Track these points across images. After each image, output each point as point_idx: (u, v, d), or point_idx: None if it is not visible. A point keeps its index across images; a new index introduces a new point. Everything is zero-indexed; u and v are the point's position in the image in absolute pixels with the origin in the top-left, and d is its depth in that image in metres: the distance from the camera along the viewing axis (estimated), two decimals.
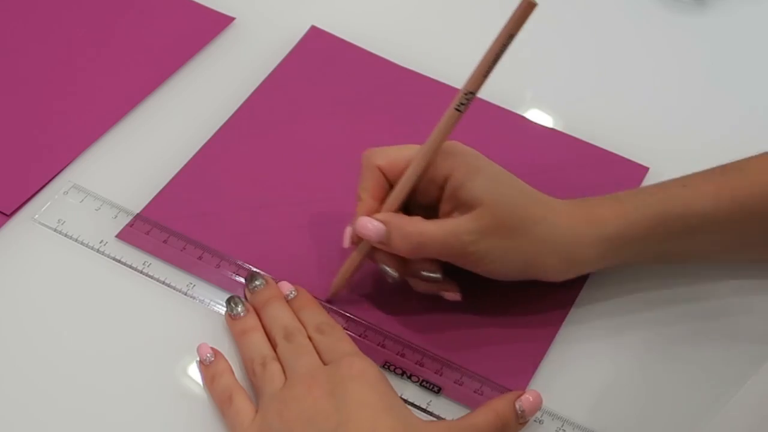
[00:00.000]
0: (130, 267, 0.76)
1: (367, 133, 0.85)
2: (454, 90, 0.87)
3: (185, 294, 0.74)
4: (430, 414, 0.69)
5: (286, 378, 0.68)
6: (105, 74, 0.89)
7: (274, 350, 0.70)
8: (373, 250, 0.71)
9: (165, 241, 0.77)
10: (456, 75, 0.88)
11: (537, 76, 0.91)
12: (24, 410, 0.69)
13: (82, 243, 0.77)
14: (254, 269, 0.75)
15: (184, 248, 0.76)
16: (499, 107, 0.87)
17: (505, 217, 0.68)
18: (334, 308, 0.73)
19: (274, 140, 0.84)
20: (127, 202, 0.79)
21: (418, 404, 0.69)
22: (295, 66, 0.90)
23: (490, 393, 0.69)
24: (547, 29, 0.95)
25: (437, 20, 0.96)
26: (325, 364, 0.68)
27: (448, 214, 0.70)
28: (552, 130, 0.86)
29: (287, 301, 0.73)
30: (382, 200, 0.71)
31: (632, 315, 0.75)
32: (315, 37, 0.92)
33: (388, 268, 0.71)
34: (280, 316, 0.72)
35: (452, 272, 0.72)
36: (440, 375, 0.70)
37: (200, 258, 0.76)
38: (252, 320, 0.72)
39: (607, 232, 0.71)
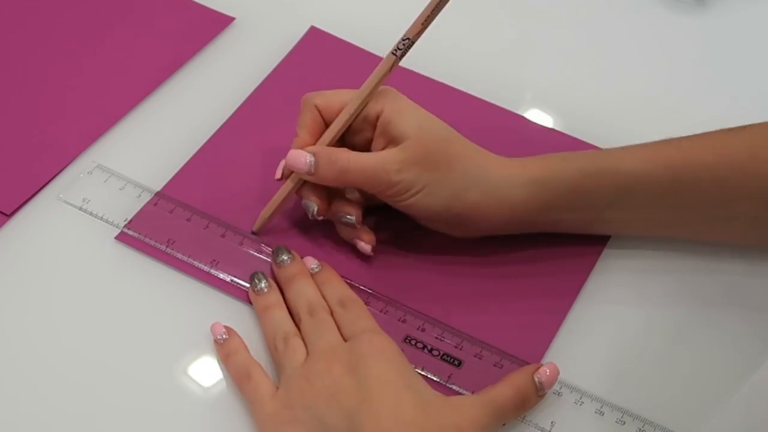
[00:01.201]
0: (154, 245, 0.77)
1: None
2: (453, 90, 0.89)
3: (209, 272, 0.76)
4: (451, 387, 0.71)
5: (307, 353, 0.70)
6: (104, 75, 0.89)
7: (297, 326, 0.72)
8: (301, 186, 0.75)
9: (189, 220, 0.78)
10: (455, 75, 0.90)
11: (537, 76, 0.92)
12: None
13: (106, 221, 0.78)
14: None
15: (207, 226, 0.78)
16: (499, 107, 0.89)
17: (431, 150, 0.72)
18: (356, 284, 0.76)
19: (273, 140, 0.84)
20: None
21: (438, 377, 0.71)
22: (294, 66, 0.91)
23: (510, 366, 0.71)
24: (547, 30, 0.96)
25: (436, 21, 0.97)
26: (345, 338, 0.70)
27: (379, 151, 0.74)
28: (552, 130, 0.87)
29: (311, 275, 0.75)
30: (318, 137, 0.75)
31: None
32: (314, 38, 0.93)
33: (310, 204, 0.75)
34: (304, 291, 0.73)
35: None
36: (460, 349, 0.72)
37: (223, 236, 0.78)
38: (275, 296, 0.74)
39: (532, 176, 0.73)
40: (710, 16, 0.98)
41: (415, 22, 0.71)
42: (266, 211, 0.77)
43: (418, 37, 0.72)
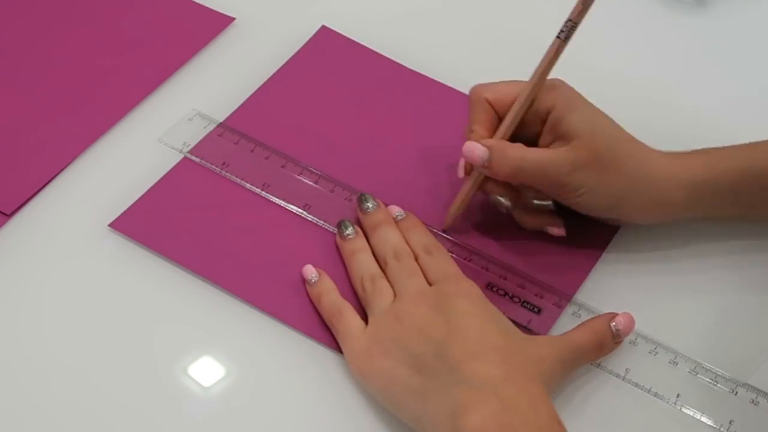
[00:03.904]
0: (250, 189, 0.81)
1: (369, 133, 0.87)
2: (459, 94, 0.88)
3: (301, 214, 0.79)
4: (531, 331, 0.74)
5: (394, 295, 0.73)
6: (104, 75, 0.89)
7: (383, 270, 0.75)
8: (484, 182, 0.76)
9: (281, 167, 0.82)
10: (461, 78, 0.87)
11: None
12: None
13: (207, 163, 0.82)
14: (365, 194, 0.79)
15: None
16: None
17: (600, 151, 0.73)
18: (441, 234, 0.79)
19: (279, 136, 0.85)
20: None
21: (519, 322, 0.73)
22: (302, 65, 0.91)
23: (587, 315, 0.74)
24: (548, 30, 0.91)
25: (432, 22, 0.97)
26: (430, 283, 0.73)
27: (547, 147, 0.75)
28: None
29: (396, 222, 0.78)
30: (492, 132, 0.76)
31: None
32: (324, 37, 0.94)
33: (500, 198, 0.77)
34: (390, 237, 0.76)
35: None
36: (541, 297, 0.75)
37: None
38: (361, 242, 0.77)
39: (695, 178, 0.75)
40: (710, 16, 0.97)
41: (576, 4, 0.71)
42: (454, 208, 0.78)
43: (581, 18, 0.71)
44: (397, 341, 0.69)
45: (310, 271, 0.76)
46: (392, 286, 0.74)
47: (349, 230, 0.78)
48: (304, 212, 0.80)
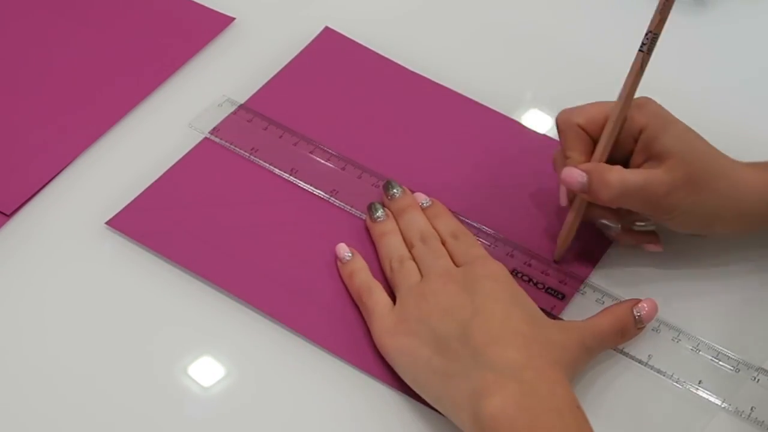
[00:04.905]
0: (278, 174, 0.82)
1: (373, 136, 0.87)
2: (451, 92, 0.89)
3: (328, 200, 0.81)
4: (554, 317, 0.74)
5: (421, 276, 0.74)
6: (104, 75, 0.89)
7: (410, 252, 0.76)
8: (588, 208, 0.76)
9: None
10: (452, 78, 0.89)
11: (536, 77, 0.89)
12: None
13: (235, 147, 0.83)
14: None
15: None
16: (494, 111, 0.88)
17: (694, 172, 0.73)
18: (467, 220, 0.79)
19: (276, 138, 0.85)
20: None
21: (542, 308, 0.73)
22: (305, 66, 0.91)
23: (611, 302, 0.75)
24: (547, 30, 0.94)
25: (434, 25, 0.97)
26: (457, 266, 0.74)
27: (638, 166, 0.74)
28: (545, 137, 0.87)
29: (422, 209, 0.79)
30: (588, 156, 0.75)
31: None
32: (327, 38, 0.94)
33: (607, 223, 0.77)
34: (416, 221, 0.78)
35: None
36: (564, 284, 0.76)
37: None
38: (391, 224, 0.78)
39: None
40: (710, 16, 0.97)
41: (654, 15, 0.72)
42: (562, 239, 0.77)
43: (660, 28, 0.72)
44: (422, 320, 0.70)
45: (343, 250, 0.77)
46: (419, 268, 0.75)
47: (380, 213, 0.79)
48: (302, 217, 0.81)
